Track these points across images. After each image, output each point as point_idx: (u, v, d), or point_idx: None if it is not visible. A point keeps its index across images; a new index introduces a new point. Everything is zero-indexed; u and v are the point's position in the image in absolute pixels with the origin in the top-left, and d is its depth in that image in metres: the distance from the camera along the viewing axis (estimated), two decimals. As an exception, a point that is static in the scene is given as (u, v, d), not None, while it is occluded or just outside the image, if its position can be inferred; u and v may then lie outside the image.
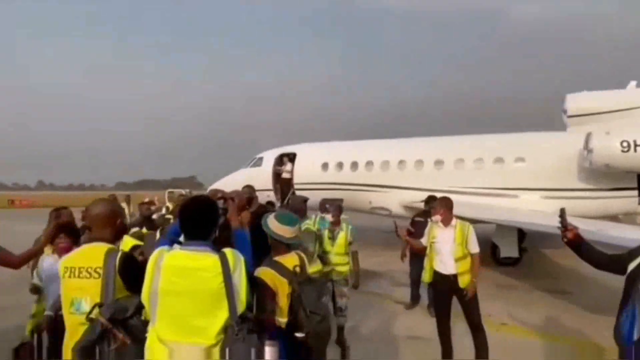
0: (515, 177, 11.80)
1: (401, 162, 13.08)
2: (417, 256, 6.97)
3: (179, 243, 2.31)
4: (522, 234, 12.25)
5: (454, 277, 4.77)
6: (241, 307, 2.20)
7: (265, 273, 2.70)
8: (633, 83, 11.88)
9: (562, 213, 3.05)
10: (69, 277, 2.49)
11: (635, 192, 10.83)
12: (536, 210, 11.06)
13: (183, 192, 25.83)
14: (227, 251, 2.26)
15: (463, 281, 4.75)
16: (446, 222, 4.89)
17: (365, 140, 15.35)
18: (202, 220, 2.33)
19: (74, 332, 2.42)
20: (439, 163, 12.67)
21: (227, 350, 2.08)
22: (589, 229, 7.31)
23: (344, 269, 5.43)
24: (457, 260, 4.75)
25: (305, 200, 5.87)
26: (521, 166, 11.84)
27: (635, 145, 9.98)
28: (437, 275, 4.91)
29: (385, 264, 10.83)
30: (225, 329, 2.13)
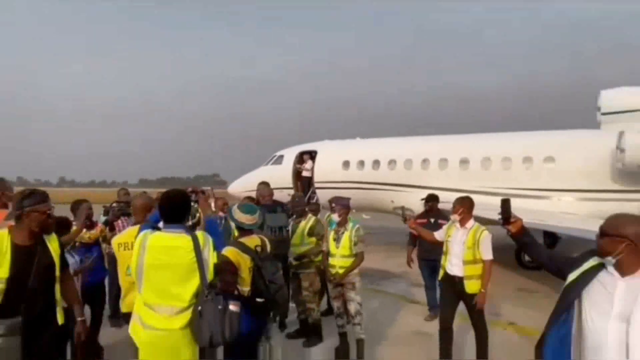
0: (544, 178, 11.99)
1: (425, 160, 13.45)
2: (426, 261, 7.37)
3: (158, 228, 3.10)
4: (554, 238, 12.47)
5: (459, 280, 4.95)
6: (210, 276, 3.01)
7: (229, 251, 3.50)
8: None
9: (504, 203, 3.10)
10: (123, 250, 3.62)
11: (673, 194, 10.89)
12: (566, 213, 11.30)
13: (207, 189, 26.88)
14: (199, 233, 3.10)
15: (470, 286, 4.90)
16: (463, 222, 5.07)
17: (389, 138, 15.75)
18: (177, 208, 3.14)
19: (128, 290, 3.61)
20: (464, 162, 12.97)
21: (199, 308, 2.88)
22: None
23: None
24: (465, 263, 4.92)
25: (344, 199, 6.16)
26: (551, 166, 12.02)
27: (672, 145, 10.09)
28: (445, 275, 5.14)
29: (403, 265, 11.29)
30: (197, 294, 2.93)
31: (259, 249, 3.62)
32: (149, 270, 2.94)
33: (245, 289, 3.45)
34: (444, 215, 7.10)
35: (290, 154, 15.63)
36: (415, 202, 13.38)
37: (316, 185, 14.80)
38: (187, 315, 2.90)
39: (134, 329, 3.05)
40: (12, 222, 3.03)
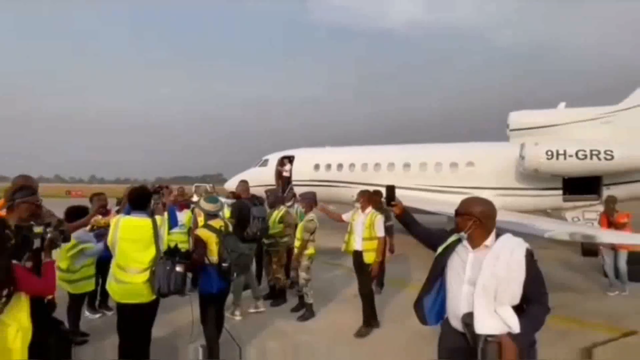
0: (466, 178, 12.56)
1: (377, 164, 13.93)
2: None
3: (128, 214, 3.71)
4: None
5: (360, 253, 5.30)
6: (164, 247, 3.62)
7: (199, 231, 4.01)
8: (562, 104, 12.61)
9: (389, 190, 3.13)
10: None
11: (560, 192, 11.57)
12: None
13: (208, 187, 27.05)
14: (157, 217, 3.69)
15: (367, 257, 5.22)
16: (363, 208, 5.46)
17: (351, 146, 16.20)
18: (141, 200, 3.72)
19: None
20: (406, 166, 13.49)
21: (153, 268, 3.47)
22: (512, 220, 8.21)
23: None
24: (363, 239, 5.25)
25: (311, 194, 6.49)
26: (471, 169, 12.61)
27: (558, 154, 10.75)
28: (353, 250, 5.46)
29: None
30: (154, 259, 3.51)
31: (222, 228, 4.11)
32: (121, 242, 3.52)
33: (213, 257, 3.94)
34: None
35: (273, 158, 15.98)
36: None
37: (293, 183, 15.16)
38: (146, 274, 3.48)
39: (110, 285, 3.61)
40: (3, 212, 2.91)
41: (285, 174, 15.56)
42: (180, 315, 5.32)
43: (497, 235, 2.38)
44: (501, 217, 8.83)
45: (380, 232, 5.28)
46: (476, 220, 2.33)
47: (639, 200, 11.39)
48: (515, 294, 2.23)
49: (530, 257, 2.27)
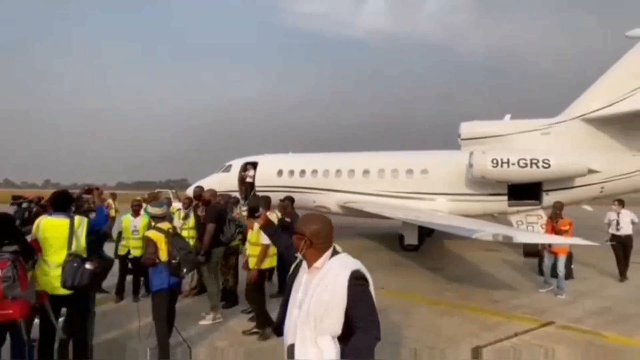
0: (421, 184, 13.24)
1: (338, 171, 14.40)
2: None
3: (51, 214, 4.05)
4: (429, 228, 13.75)
5: (247, 257, 5.60)
6: (79, 247, 3.96)
7: (149, 233, 4.34)
8: (508, 116, 13.61)
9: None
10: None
11: (505, 197, 12.45)
12: (436, 210, 12.57)
13: (171, 192, 26.71)
14: (76, 217, 4.01)
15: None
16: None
17: (313, 153, 16.59)
18: (61, 202, 4.07)
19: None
20: (366, 172, 14.03)
21: (65, 265, 3.81)
22: (445, 223, 8.83)
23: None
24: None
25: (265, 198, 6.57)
26: (425, 176, 13.30)
27: (502, 162, 11.61)
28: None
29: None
30: (68, 255, 3.86)
31: (171, 230, 4.45)
32: (43, 240, 3.90)
33: (163, 257, 4.28)
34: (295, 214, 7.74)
35: (237, 164, 16.08)
36: (330, 202, 14.36)
37: (257, 188, 15.33)
38: (60, 268, 3.83)
39: (41, 270, 3.93)
40: None
41: (248, 179, 15.71)
42: (130, 318, 5.48)
43: (335, 255, 2.17)
44: (436, 220, 9.49)
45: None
46: (306, 240, 2.15)
47: (575, 205, 12.48)
48: (335, 322, 1.98)
49: (355, 280, 2.02)
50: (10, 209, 6.53)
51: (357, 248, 12.90)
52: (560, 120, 12.50)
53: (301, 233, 2.18)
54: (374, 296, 2.10)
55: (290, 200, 8.26)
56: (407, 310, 6.45)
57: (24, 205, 7.00)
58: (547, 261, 7.80)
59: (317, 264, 2.15)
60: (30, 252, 3.78)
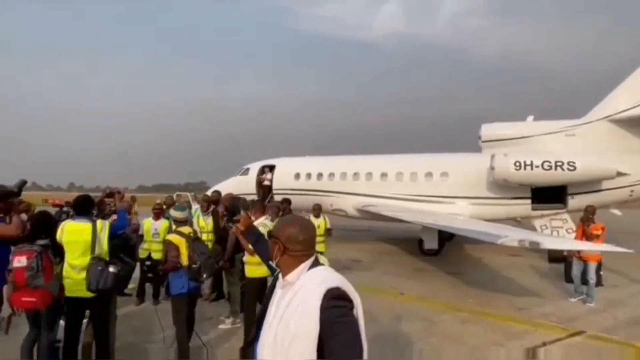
0: (441, 188, 13.02)
1: (355, 174, 14.30)
2: None
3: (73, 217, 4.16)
4: (449, 233, 13.50)
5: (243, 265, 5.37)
6: (102, 251, 3.99)
7: (171, 237, 4.32)
8: (531, 117, 13.27)
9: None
10: None
11: (529, 201, 12.11)
12: (456, 214, 12.32)
13: (190, 195, 27.07)
14: (99, 221, 4.06)
15: (248, 271, 5.04)
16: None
17: (330, 156, 16.54)
18: (82, 206, 4.13)
19: None
20: (384, 175, 13.89)
21: (90, 268, 3.83)
22: (469, 228, 8.63)
23: None
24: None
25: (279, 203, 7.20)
26: (445, 179, 13.07)
27: (525, 165, 11.30)
28: None
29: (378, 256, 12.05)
30: (92, 259, 3.88)
31: (192, 234, 4.44)
32: (67, 244, 3.96)
33: (184, 261, 4.26)
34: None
35: (255, 167, 16.18)
36: (347, 205, 14.27)
37: (274, 192, 15.39)
38: (84, 272, 3.87)
39: (65, 274, 4.01)
40: None
41: (266, 182, 15.77)
42: (151, 322, 5.52)
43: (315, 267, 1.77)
44: (460, 224, 9.24)
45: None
46: (280, 245, 1.78)
47: (602, 209, 12.03)
48: (304, 353, 1.55)
49: (330, 301, 1.58)
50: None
51: (376, 252, 12.77)
52: (585, 121, 12.10)
53: (276, 237, 1.83)
54: (360, 321, 1.64)
55: (288, 202, 8.32)
56: (429, 318, 6.31)
57: (65, 209, 7.13)
58: (576, 268, 7.35)
59: (290, 277, 1.75)
60: (61, 248, 3.98)
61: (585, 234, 7.25)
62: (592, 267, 7.05)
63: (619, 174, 11.20)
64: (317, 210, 8.25)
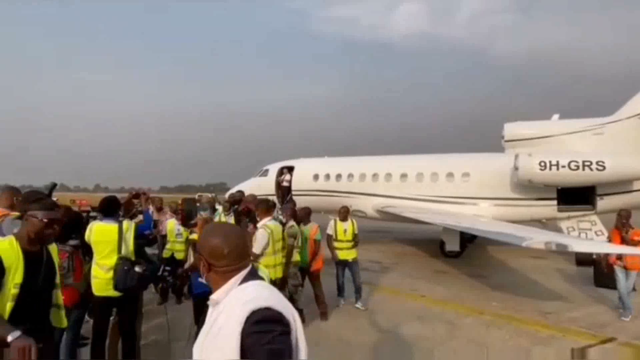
0: (462, 189, 12.76)
1: (374, 174, 14.18)
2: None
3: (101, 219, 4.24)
4: (471, 235, 13.22)
5: None
6: (128, 251, 4.05)
7: (195, 235, 4.56)
8: (556, 116, 12.85)
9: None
10: None
11: (555, 202, 11.73)
12: (478, 216, 12.06)
13: (210, 195, 27.44)
14: (125, 222, 4.12)
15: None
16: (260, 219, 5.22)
17: (348, 157, 16.47)
18: (110, 207, 4.21)
19: None
20: (403, 176, 13.72)
21: (117, 268, 3.90)
22: (493, 229, 8.41)
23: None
24: None
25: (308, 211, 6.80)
26: (467, 179, 12.80)
27: (551, 165, 10.95)
28: None
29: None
30: (119, 259, 3.95)
31: None
32: (95, 244, 4.03)
33: None
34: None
35: (274, 168, 16.26)
36: (366, 206, 14.15)
37: (293, 192, 15.43)
38: (112, 271, 3.92)
39: (93, 273, 4.06)
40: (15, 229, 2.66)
41: (285, 183, 15.82)
42: (174, 320, 5.59)
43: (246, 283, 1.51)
44: (483, 226, 9.00)
45: (255, 248, 4.81)
46: (204, 261, 1.55)
47: (634, 210, 11.52)
48: None
49: (254, 326, 1.31)
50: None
51: (396, 253, 12.62)
52: (614, 119, 11.63)
53: (198, 252, 1.58)
54: (300, 345, 1.39)
55: (293, 203, 8.15)
56: (452, 321, 6.17)
57: (92, 214, 7.39)
58: (622, 279, 6.39)
59: (216, 295, 1.52)
60: (90, 248, 4.07)
61: (624, 241, 6.52)
62: (632, 276, 6.38)
63: (651, 174, 10.72)
64: (345, 212, 7.19)
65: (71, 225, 4.14)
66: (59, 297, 2.77)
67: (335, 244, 6.92)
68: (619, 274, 6.40)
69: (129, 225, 4.16)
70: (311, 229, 6.49)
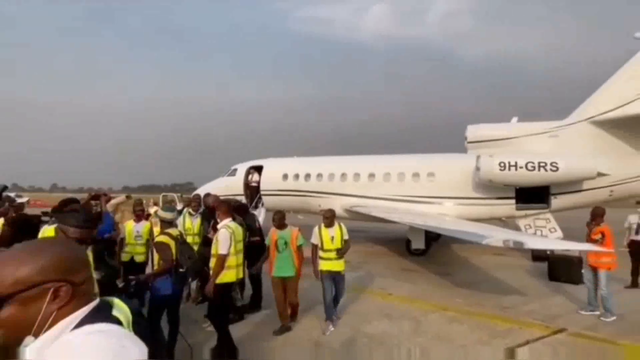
0: (427, 188, 13.14)
1: (343, 174, 14.33)
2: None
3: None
4: (436, 233, 13.63)
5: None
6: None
7: (161, 237, 4.28)
8: (515, 118, 13.50)
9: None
10: None
11: (513, 201, 12.32)
12: (443, 214, 12.45)
13: (176, 197, 26.73)
14: None
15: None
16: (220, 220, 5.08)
17: (318, 157, 16.54)
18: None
19: None
20: (371, 176, 13.95)
21: None
22: (457, 228, 8.73)
23: None
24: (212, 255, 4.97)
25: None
26: (432, 179, 13.19)
27: (510, 166, 11.49)
28: None
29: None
30: None
31: (179, 237, 4.32)
32: None
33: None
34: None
35: (242, 168, 16.08)
36: (336, 206, 14.24)
37: (262, 192, 15.34)
38: None
39: None
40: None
41: (253, 183, 15.70)
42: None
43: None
44: (446, 225, 9.30)
45: (221, 249, 4.68)
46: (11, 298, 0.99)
47: (584, 209, 12.31)
48: None
49: None
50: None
51: (365, 253, 12.81)
52: (568, 122, 12.38)
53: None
54: None
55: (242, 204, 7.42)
56: (417, 318, 6.37)
57: (44, 218, 7.06)
58: (587, 278, 6.60)
59: (27, 340, 0.97)
60: None
61: (588, 238, 6.73)
62: (602, 276, 6.31)
63: (600, 175, 11.48)
64: (330, 217, 6.02)
65: (20, 229, 3.98)
66: None
67: (322, 254, 5.93)
68: (584, 272, 6.58)
69: None
70: (291, 234, 5.84)
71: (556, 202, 12.03)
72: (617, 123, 11.69)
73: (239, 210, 6.37)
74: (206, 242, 6.31)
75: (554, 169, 11.27)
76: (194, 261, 4.33)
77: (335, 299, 6.05)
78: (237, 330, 5.36)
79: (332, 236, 5.93)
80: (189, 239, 6.45)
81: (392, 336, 5.55)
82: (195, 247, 6.39)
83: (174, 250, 4.18)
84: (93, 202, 5.14)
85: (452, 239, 13.89)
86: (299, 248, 5.86)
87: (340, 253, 5.93)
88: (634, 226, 8.43)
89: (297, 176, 14.92)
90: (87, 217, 2.30)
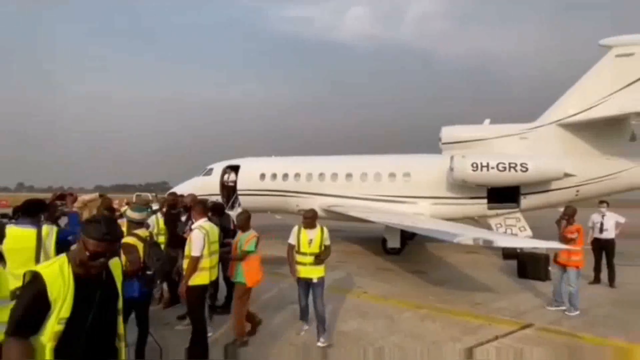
0: (403, 188, 13.33)
1: (321, 174, 14.35)
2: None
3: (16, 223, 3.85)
4: (411, 232, 13.84)
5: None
6: (48, 259, 3.58)
7: (129, 239, 4.12)
8: (487, 120, 13.88)
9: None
10: None
11: (485, 201, 12.66)
12: (418, 214, 12.66)
13: (150, 196, 26.09)
14: (44, 226, 3.77)
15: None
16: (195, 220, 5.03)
17: (295, 156, 16.48)
18: (29, 209, 3.85)
19: None
20: (349, 176, 14.04)
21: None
22: (429, 227, 8.89)
23: None
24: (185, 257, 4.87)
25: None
26: (407, 179, 13.40)
27: (482, 166, 11.80)
28: None
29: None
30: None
31: (148, 238, 4.23)
32: (8, 252, 3.59)
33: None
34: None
35: (218, 167, 15.86)
36: (314, 206, 14.26)
37: (239, 192, 15.18)
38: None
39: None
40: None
41: (229, 183, 15.51)
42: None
43: None
44: (419, 224, 9.42)
45: (194, 250, 4.55)
46: None
47: (552, 208, 12.78)
48: None
49: None
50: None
51: (342, 252, 12.88)
52: (537, 125, 12.81)
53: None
54: None
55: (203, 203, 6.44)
56: (391, 316, 6.45)
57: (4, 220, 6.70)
58: (555, 274, 6.88)
59: None
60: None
61: (561, 238, 6.90)
62: (572, 273, 6.61)
63: (566, 175, 11.95)
64: (311, 218, 5.51)
65: None
66: (121, 326, 2.30)
67: (297, 258, 5.47)
68: (553, 269, 6.83)
69: (49, 230, 3.80)
70: (247, 238, 5.31)
71: (526, 201, 12.44)
72: (582, 126, 12.20)
73: (215, 211, 6.29)
74: (176, 243, 6.12)
75: (524, 169, 11.64)
76: (162, 264, 4.22)
77: (316, 310, 5.43)
78: (210, 332, 5.30)
79: (310, 239, 5.40)
80: (161, 239, 6.31)
81: (367, 334, 5.60)
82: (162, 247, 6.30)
83: (141, 253, 4.07)
84: (59, 202, 4.95)
85: (426, 237, 14.13)
86: (247, 254, 5.17)
87: (318, 260, 5.38)
88: (598, 225, 8.79)
89: (274, 176, 14.85)
90: (109, 230, 2.07)
